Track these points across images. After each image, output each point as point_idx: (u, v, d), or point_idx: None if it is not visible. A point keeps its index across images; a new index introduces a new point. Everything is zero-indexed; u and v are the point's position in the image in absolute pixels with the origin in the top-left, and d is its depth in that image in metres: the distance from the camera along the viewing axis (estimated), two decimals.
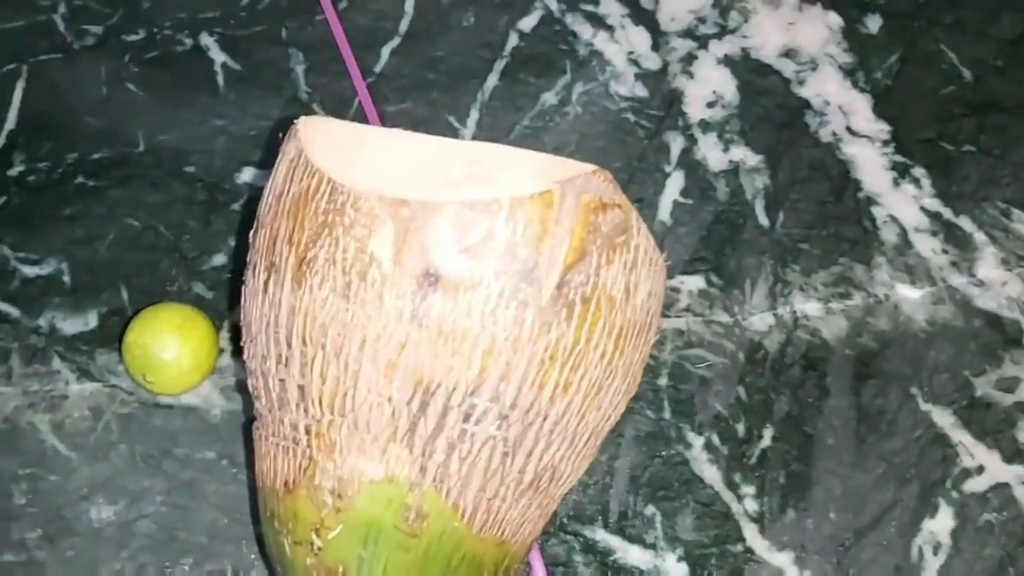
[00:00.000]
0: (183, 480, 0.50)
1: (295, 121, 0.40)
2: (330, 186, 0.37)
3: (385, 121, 0.59)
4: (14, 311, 0.54)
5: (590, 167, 0.37)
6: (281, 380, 0.39)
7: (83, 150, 0.59)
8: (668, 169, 0.58)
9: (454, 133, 0.59)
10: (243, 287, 0.42)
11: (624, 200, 0.38)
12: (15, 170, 0.58)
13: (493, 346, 0.36)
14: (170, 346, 0.49)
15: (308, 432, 0.38)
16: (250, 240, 0.42)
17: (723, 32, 0.62)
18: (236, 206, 0.57)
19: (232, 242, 0.56)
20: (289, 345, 0.38)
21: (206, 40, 0.62)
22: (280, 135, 0.58)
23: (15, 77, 0.61)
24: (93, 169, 0.58)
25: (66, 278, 0.55)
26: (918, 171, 0.57)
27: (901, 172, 0.57)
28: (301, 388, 0.38)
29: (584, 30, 0.62)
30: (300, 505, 0.38)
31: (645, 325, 0.40)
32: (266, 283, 0.39)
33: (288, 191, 0.39)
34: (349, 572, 0.38)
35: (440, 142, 0.37)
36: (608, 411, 0.41)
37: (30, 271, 0.55)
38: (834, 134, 0.59)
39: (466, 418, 0.37)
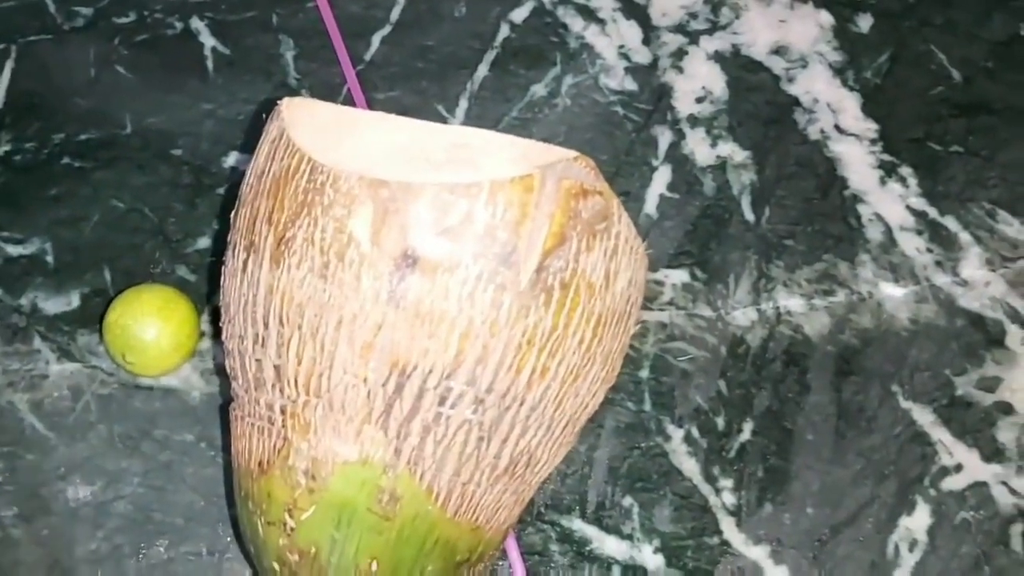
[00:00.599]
0: (161, 462, 0.49)
1: (279, 102, 0.40)
2: (310, 165, 0.37)
3: (374, 109, 0.59)
4: None
5: (572, 153, 0.37)
6: (258, 360, 0.39)
7: (70, 131, 0.58)
8: (655, 163, 0.58)
9: (443, 122, 0.59)
10: (223, 267, 0.42)
11: (606, 187, 0.38)
12: (1, 149, 0.58)
13: (470, 329, 0.36)
14: (151, 327, 0.49)
15: (283, 412, 0.38)
16: (231, 220, 0.42)
17: (714, 28, 0.62)
18: (221, 190, 0.57)
19: (216, 226, 0.56)
20: (266, 325, 0.38)
21: (196, 24, 0.62)
22: (265, 116, 0.58)
23: (4, 57, 0.60)
24: (80, 150, 0.58)
25: (49, 258, 0.55)
26: (905, 170, 0.58)
27: (888, 171, 0.57)
28: (277, 368, 0.38)
29: (575, 23, 0.62)
30: (274, 485, 0.38)
31: (625, 313, 0.40)
32: (245, 262, 0.39)
33: (269, 170, 0.39)
34: (321, 553, 0.38)
35: (424, 126, 0.37)
36: (586, 398, 0.41)
37: (13, 250, 0.55)
38: (822, 132, 0.59)
39: (442, 401, 0.37)
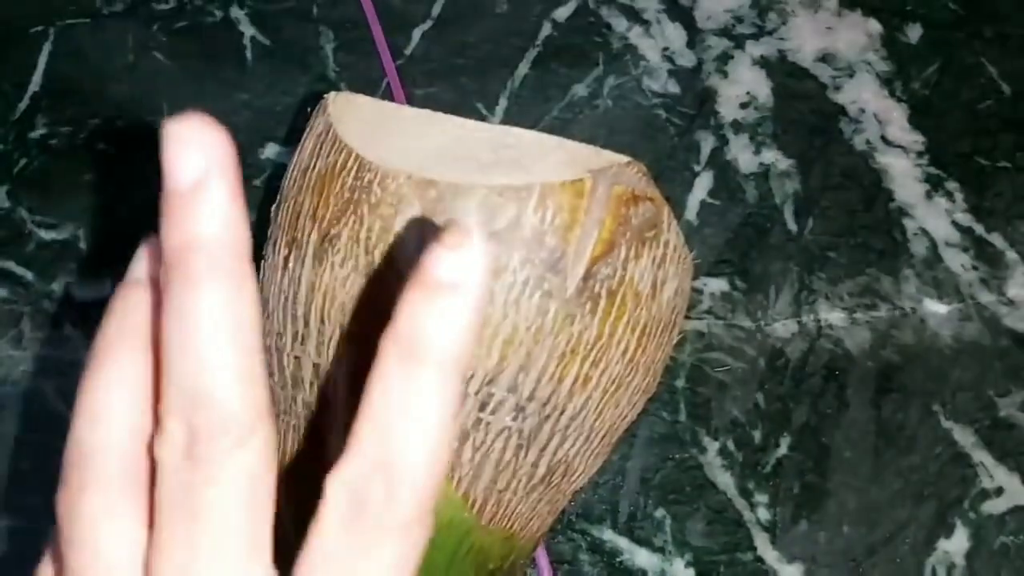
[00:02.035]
0: None
1: (325, 96, 0.40)
2: (357, 163, 0.36)
3: (413, 104, 0.58)
4: (28, 274, 0.53)
5: (624, 158, 0.36)
6: (296, 358, 0.38)
7: (106, 116, 0.58)
8: (697, 168, 0.57)
9: (482, 120, 0.58)
10: (262, 262, 0.41)
11: (656, 194, 0.37)
12: (37, 133, 0.57)
13: (514, 335, 0.35)
14: None
15: (324, 414, 0.37)
16: (272, 214, 0.41)
17: (760, 33, 0.61)
18: (258, 182, 0.56)
19: (252, 217, 0.55)
20: (306, 323, 0.37)
21: (236, 13, 0.61)
22: (309, 110, 0.57)
23: (42, 39, 0.60)
24: (115, 136, 0.57)
25: (82, 244, 0.54)
26: (951, 184, 0.56)
27: (934, 185, 0.56)
28: (316, 367, 0.37)
29: (619, 23, 0.61)
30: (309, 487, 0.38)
31: (670, 323, 0.39)
32: (286, 259, 0.38)
33: (314, 166, 0.38)
34: None
35: (472, 125, 0.37)
36: (626, 409, 0.40)
37: (46, 235, 0.54)
38: (868, 142, 0.57)
39: (482, 407, 0.36)
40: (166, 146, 0.19)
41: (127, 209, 0.55)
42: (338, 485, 0.20)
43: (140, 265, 0.23)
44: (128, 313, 0.22)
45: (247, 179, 0.56)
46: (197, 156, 0.19)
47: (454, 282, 0.19)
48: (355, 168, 0.36)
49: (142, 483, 0.21)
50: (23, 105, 0.58)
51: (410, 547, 0.20)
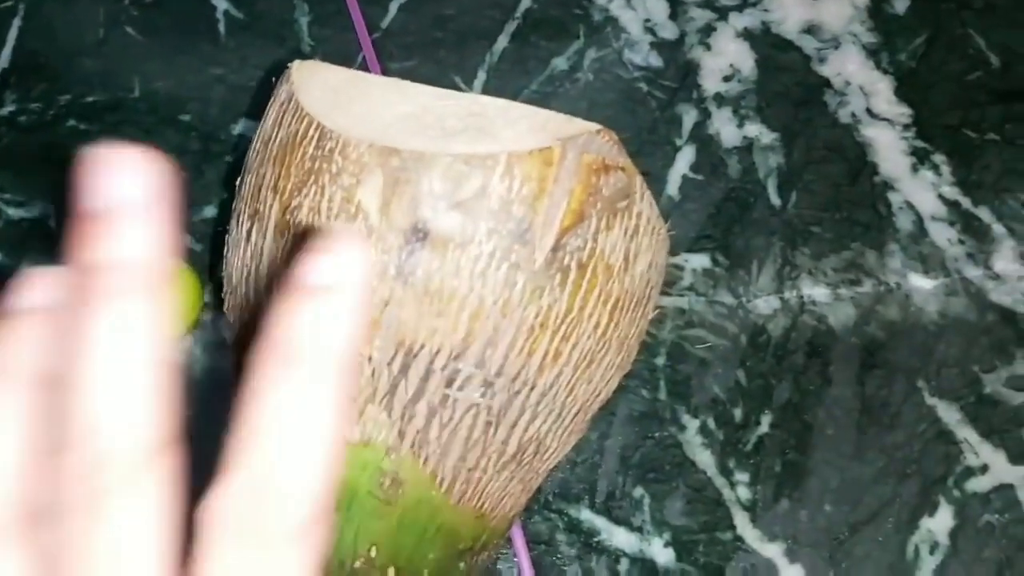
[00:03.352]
0: None
1: (288, 65, 0.38)
2: (319, 131, 0.35)
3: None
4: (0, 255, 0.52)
5: (594, 126, 0.35)
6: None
7: (76, 93, 0.57)
8: (679, 142, 0.55)
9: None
10: (227, 236, 0.40)
11: (628, 163, 0.36)
12: (5, 110, 0.56)
13: (481, 309, 0.34)
14: None
15: None
16: (236, 188, 0.40)
17: (744, 4, 0.60)
18: (230, 158, 0.55)
19: (224, 195, 0.54)
20: (269, 296, 0.36)
21: None
22: (273, 80, 0.56)
23: (11, 15, 0.59)
24: (86, 112, 0.56)
25: (52, 222, 0.53)
26: (938, 157, 0.55)
27: (920, 158, 0.55)
28: None
29: None
30: None
31: (643, 297, 0.38)
32: (249, 232, 0.37)
33: (276, 136, 0.37)
34: None
35: (440, 93, 0.36)
36: (599, 386, 0.39)
37: (15, 213, 0.53)
38: (853, 115, 0.56)
39: (449, 383, 0.35)
40: (91, 166, 0.19)
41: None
42: (224, 502, 0.19)
43: (17, 296, 0.22)
44: (4, 350, 0.21)
45: (219, 154, 0.55)
46: (122, 177, 0.19)
47: (328, 285, 0.19)
48: (316, 137, 0.35)
49: (36, 524, 0.20)
50: None
51: (307, 552, 0.19)
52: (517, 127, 0.35)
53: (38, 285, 0.21)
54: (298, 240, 0.35)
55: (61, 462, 0.19)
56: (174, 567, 0.19)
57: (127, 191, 0.19)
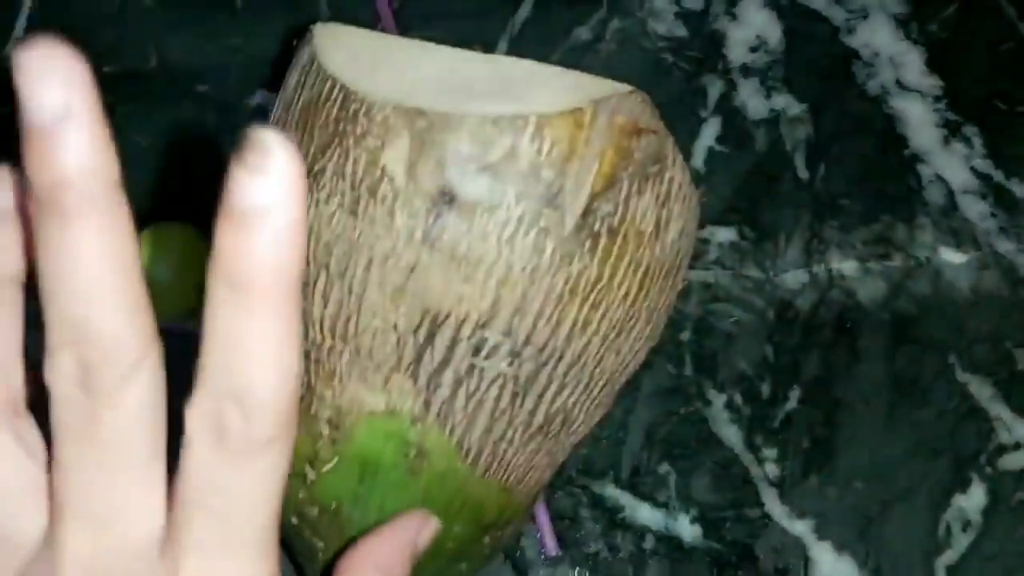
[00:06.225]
0: (180, 406, 0.47)
1: (311, 27, 0.38)
2: (342, 93, 0.34)
3: None
4: None
5: (626, 87, 0.34)
6: None
7: (93, 63, 0.56)
8: (705, 114, 0.54)
9: None
10: None
11: (661, 127, 0.35)
12: None
13: (509, 276, 0.33)
14: (170, 268, 0.46)
15: (307, 358, 0.36)
16: None
17: None
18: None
19: None
20: None
21: None
22: (294, 43, 0.55)
23: None
24: (102, 84, 0.55)
25: None
26: (969, 130, 0.54)
27: (952, 130, 0.54)
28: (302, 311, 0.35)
29: None
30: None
31: (674, 266, 0.37)
32: None
33: (298, 99, 0.36)
34: (343, 508, 0.36)
35: (466, 55, 0.35)
36: (627, 357, 0.38)
37: None
38: (882, 87, 0.55)
39: (475, 352, 0.34)
40: (22, 79, 0.18)
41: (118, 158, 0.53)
42: (196, 414, 0.21)
43: None
44: None
45: (237, 126, 0.54)
46: (57, 88, 0.18)
47: (261, 207, 0.19)
48: (340, 99, 0.34)
49: (15, 413, 0.23)
50: (7, 52, 0.56)
51: (276, 458, 0.21)
52: (547, 88, 0.34)
53: (12, 190, 0.22)
54: (320, 205, 0.34)
55: (52, 361, 0.20)
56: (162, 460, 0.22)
57: (57, 98, 0.18)
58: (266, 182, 0.19)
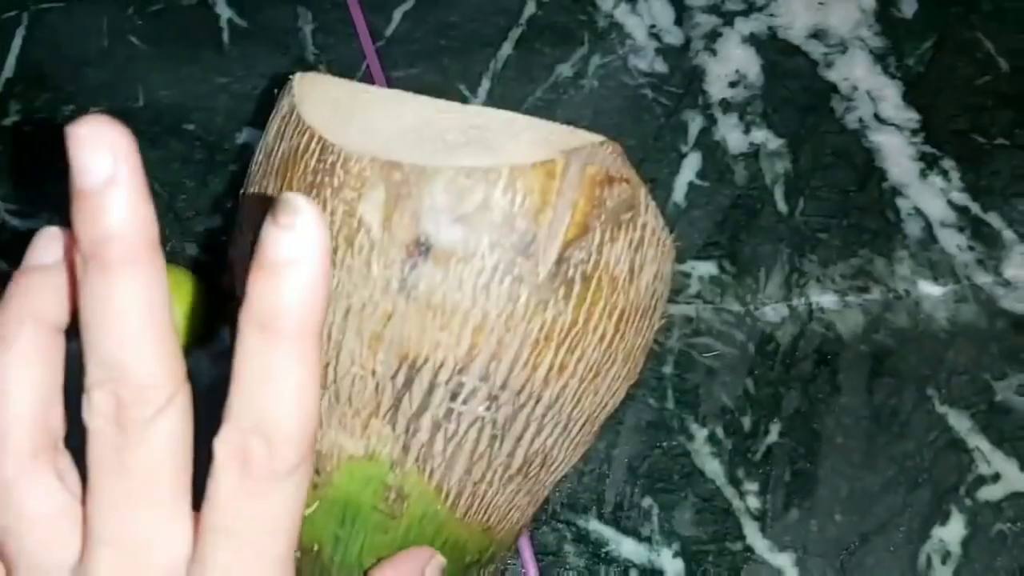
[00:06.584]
0: None
1: (290, 77, 0.38)
2: (320, 144, 0.35)
3: (393, 86, 0.57)
4: (3, 264, 0.52)
5: (598, 138, 0.35)
6: None
7: (81, 103, 0.57)
8: (685, 149, 0.55)
9: (464, 102, 0.56)
10: (230, 249, 0.40)
11: (633, 175, 0.36)
12: (10, 120, 0.56)
13: (484, 322, 0.34)
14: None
15: None
16: (239, 199, 0.40)
17: (750, 9, 0.59)
18: (235, 167, 0.55)
19: (229, 204, 0.54)
20: None
21: None
22: (276, 92, 0.56)
23: (15, 25, 0.59)
24: None
25: None
26: (947, 163, 0.55)
27: (929, 163, 0.55)
28: None
29: (605, 0, 0.59)
30: None
31: (649, 308, 0.38)
32: (252, 244, 0.37)
33: (278, 149, 0.37)
34: (324, 551, 0.36)
35: (441, 105, 0.35)
36: (605, 397, 0.39)
37: (21, 224, 0.53)
38: (861, 120, 0.56)
39: (453, 396, 0.35)
40: (72, 148, 0.21)
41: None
42: (224, 447, 0.22)
43: (38, 253, 0.25)
44: (28, 297, 0.24)
45: (224, 164, 0.55)
46: (104, 155, 0.21)
47: (290, 259, 0.21)
48: (318, 150, 0.35)
49: (55, 449, 0.24)
50: None
51: (296, 487, 0.23)
52: (520, 139, 0.34)
53: (51, 245, 0.25)
54: None
55: (90, 398, 0.22)
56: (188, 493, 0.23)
57: (105, 165, 0.21)
58: (294, 237, 0.21)
